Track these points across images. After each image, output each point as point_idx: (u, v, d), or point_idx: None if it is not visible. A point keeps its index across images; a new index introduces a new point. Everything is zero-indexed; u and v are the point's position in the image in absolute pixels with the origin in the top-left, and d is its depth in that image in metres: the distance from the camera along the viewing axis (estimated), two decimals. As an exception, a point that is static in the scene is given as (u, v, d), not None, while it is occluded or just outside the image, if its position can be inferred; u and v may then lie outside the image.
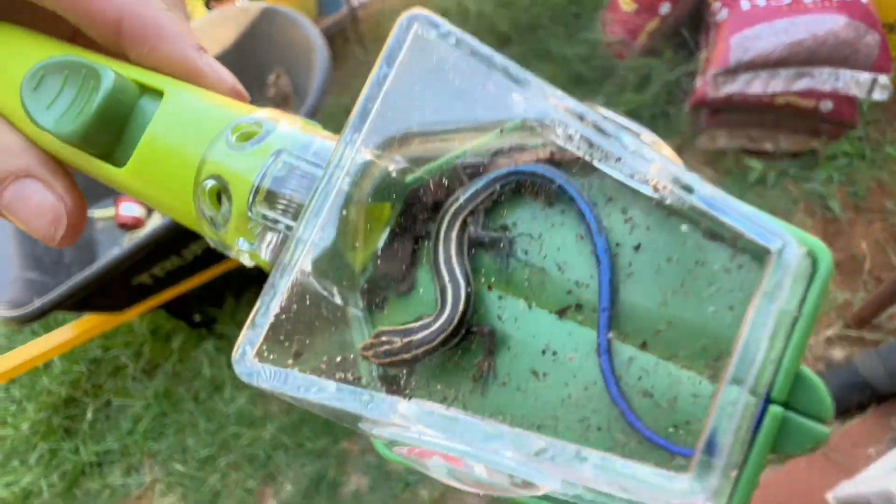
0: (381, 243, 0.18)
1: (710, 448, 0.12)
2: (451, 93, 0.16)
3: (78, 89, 0.16)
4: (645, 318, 0.16)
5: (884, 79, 1.23)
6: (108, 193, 1.28)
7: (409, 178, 0.18)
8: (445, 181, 0.18)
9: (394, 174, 0.17)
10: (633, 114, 1.56)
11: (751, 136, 1.44)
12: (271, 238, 0.17)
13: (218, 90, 0.18)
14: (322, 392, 0.15)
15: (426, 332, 0.17)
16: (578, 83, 1.69)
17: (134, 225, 1.25)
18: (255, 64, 1.27)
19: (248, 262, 0.18)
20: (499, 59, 0.15)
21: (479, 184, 0.18)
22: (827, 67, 1.25)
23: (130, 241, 1.13)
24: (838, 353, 1.13)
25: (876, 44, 1.22)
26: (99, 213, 1.28)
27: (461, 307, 0.17)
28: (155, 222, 1.21)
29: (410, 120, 0.16)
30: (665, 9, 1.53)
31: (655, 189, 0.15)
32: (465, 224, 0.18)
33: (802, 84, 1.27)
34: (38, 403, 1.31)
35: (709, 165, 1.47)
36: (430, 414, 0.14)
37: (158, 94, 0.17)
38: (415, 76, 0.15)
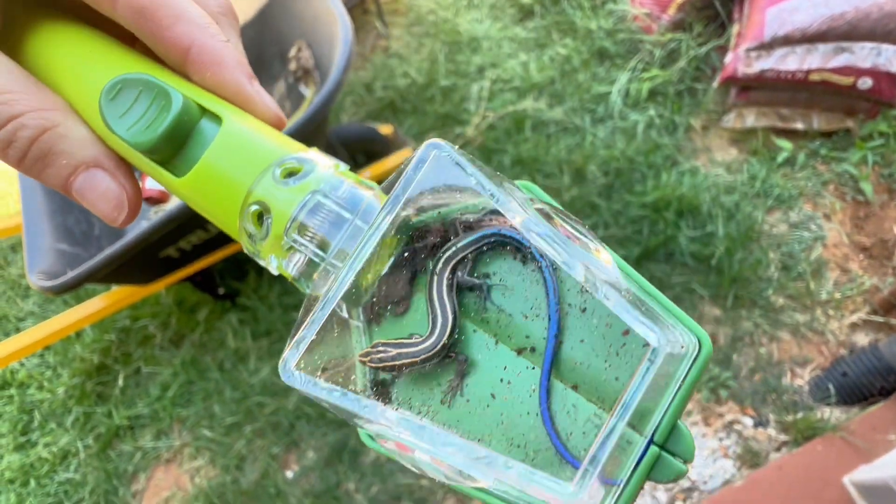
0: (385, 269, 0.21)
1: (593, 463, 0.17)
2: (458, 180, 0.20)
3: (149, 104, 0.19)
4: (577, 368, 0.21)
5: (929, 54, 1.17)
6: (134, 168, 1.30)
7: (415, 219, 0.22)
8: (443, 228, 0.23)
9: (404, 217, 0.21)
10: (657, 90, 1.52)
11: (781, 114, 1.39)
12: (298, 258, 0.20)
13: (263, 114, 0.21)
14: (337, 396, 0.20)
15: (415, 348, 0.22)
16: (602, 57, 1.64)
17: (160, 199, 1.27)
18: (276, 37, 1.26)
19: (274, 271, 0.21)
20: (484, 182, 0.20)
21: (470, 237, 0.22)
22: (868, 42, 1.19)
23: (156, 215, 1.15)
24: (863, 339, 1.11)
25: (923, 17, 1.15)
26: (125, 186, 1.30)
27: (447, 334, 0.22)
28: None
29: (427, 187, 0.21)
30: (697, -21, 1.46)
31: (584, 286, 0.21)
32: (455, 268, 0.22)
33: (841, 60, 1.22)
34: (71, 369, 1.37)
35: (734, 144, 1.43)
36: (407, 421, 0.20)
37: (217, 118, 0.20)
38: (435, 170, 0.20)
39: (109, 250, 0.93)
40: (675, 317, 0.20)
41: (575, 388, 0.21)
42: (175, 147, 0.20)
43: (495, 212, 0.22)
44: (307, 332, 0.20)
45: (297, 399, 1.20)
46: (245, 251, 0.21)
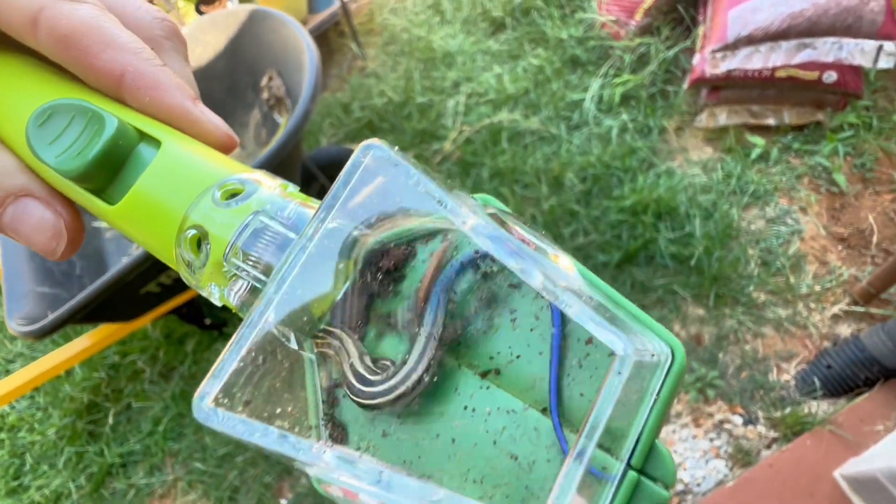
0: (339, 296, 0.19)
1: (560, 497, 0.15)
2: (411, 191, 0.19)
3: (82, 130, 0.18)
4: (537, 384, 0.19)
5: (890, 46, 1.19)
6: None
7: (371, 241, 0.20)
8: (403, 250, 0.21)
9: (358, 237, 0.19)
10: (630, 94, 1.54)
11: (753, 111, 1.41)
12: (241, 285, 0.18)
13: (210, 135, 0.20)
14: (263, 437, 0.17)
15: (388, 384, 0.20)
16: (574, 65, 1.66)
17: (140, 234, 1.28)
18: (247, 66, 1.27)
19: (217, 301, 0.19)
20: (429, 186, 0.18)
21: (453, 268, 0.20)
22: (829, 37, 1.21)
23: (137, 250, 1.16)
24: (845, 330, 1.12)
25: (881, 9, 1.18)
26: (106, 223, 1.31)
27: (423, 366, 0.19)
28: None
29: (375, 209, 0.19)
30: (660, -16, 1.49)
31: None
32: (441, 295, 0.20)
33: (804, 56, 1.24)
34: (62, 410, 1.37)
35: (709, 143, 1.44)
36: (348, 462, 0.18)
37: (156, 142, 0.19)
38: (379, 183, 0.18)
39: (88, 290, 0.93)
40: (644, 324, 0.18)
41: (533, 406, 0.19)
42: (109, 174, 0.18)
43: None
44: (227, 359, 0.17)
45: (287, 426, 1.20)
46: (184, 280, 0.20)
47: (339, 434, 0.20)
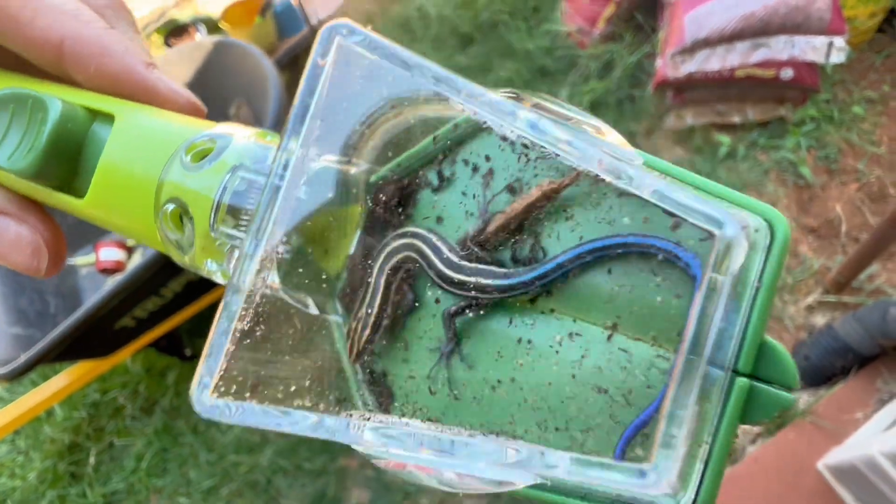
0: (352, 248, 0.17)
1: (671, 424, 0.12)
2: (389, 86, 0.15)
3: (27, 122, 0.16)
4: (615, 298, 0.15)
5: (839, 41, 1.23)
6: (88, 240, 1.30)
7: (373, 177, 0.17)
8: (406, 181, 0.18)
9: (356, 175, 0.16)
10: (598, 101, 1.56)
11: (718, 110, 1.44)
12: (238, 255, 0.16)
13: (174, 105, 0.18)
14: (294, 425, 0.15)
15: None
16: (543, 76, 1.69)
17: (115, 269, 1.27)
18: (216, 97, 1.28)
19: (220, 279, 0.17)
20: (417, 61, 0.15)
21: (566, 257, 0.16)
22: (782, 36, 1.25)
23: (109, 285, 1.15)
24: (820, 320, 1.13)
25: (827, 7, 1.22)
26: (80, 260, 1.30)
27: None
28: (135, 264, 1.23)
29: (354, 118, 0.16)
30: (619, -6, 1.53)
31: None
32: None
33: (759, 55, 1.27)
34: (42, 452, 1.34)
35: (679, 144, 1.47)
36: (393, 438, 0.14)
37: (110, 118, 0.17)
38: (351, 79, 0.15)
39: (58, 330, 0.92)
40: (730, 199, 0.15)
41: (614, 327, 0.15)
42: (67, 164, 0.16)
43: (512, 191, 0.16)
44: (218, 337, 0.14)
45: (271, 454, 1.18)
46: (182, 266, 0.18)
47: (383, 397, 0.18)
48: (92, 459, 1.29)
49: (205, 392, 0.15)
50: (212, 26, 1.89)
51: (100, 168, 0.16)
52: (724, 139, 1.41)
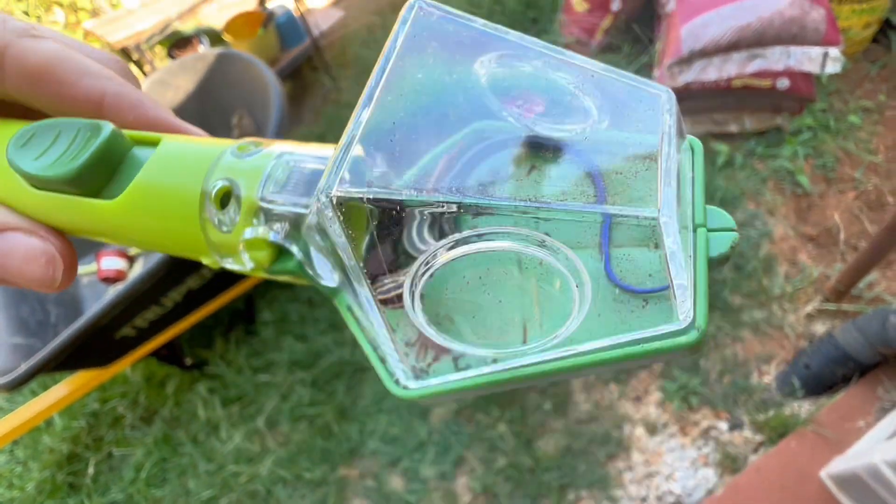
0: (363, 252, 0.16)
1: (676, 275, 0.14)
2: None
3: (72, 139, 0.17)
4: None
5: (834, 51, 1.24)
6: (89, 250, 1.31)
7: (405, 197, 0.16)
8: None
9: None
10: (597, 111, 1.58)
11: (715, 119, 1.45)
12: (280, 226, 0.17)
13: None
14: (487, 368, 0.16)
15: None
16: (542, 86, 1.71)
17: (116, 278, 1.27)
18: (218, 107, 1.30)
19: (248, 263, 0.17)
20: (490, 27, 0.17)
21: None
22: (778, 46, 1.26)
23: (110, 294, 1.15)
24: (820, 328, 1.13)
25: (822, 18, 1.23)
26: (81, 269, 1.31)
27: None
28: (136, 273, 1.24)
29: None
30: (616, 5, 1.55)
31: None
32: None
33: (756, 65, 1.29)
34: (41, 462, 1.33)
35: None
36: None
37: (152, 143, 0.18)
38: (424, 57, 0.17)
39: (59, 339, 0.93)
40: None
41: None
42: (104, 175, 0.17)
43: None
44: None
45: (271, 464, 1.17)
46: (207, 261, 0.18)
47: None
48: (91, 470, 1.29)
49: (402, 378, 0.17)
50: (214, 38, 1.91)
51: (141, 174, 0.17)
52: (722, 148, 1.42)
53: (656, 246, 0.15)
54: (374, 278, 0.16)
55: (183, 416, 1.31)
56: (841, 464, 0.91)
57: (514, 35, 0.18)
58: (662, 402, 1.11)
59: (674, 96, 0.17)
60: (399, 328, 0.17)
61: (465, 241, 0.15)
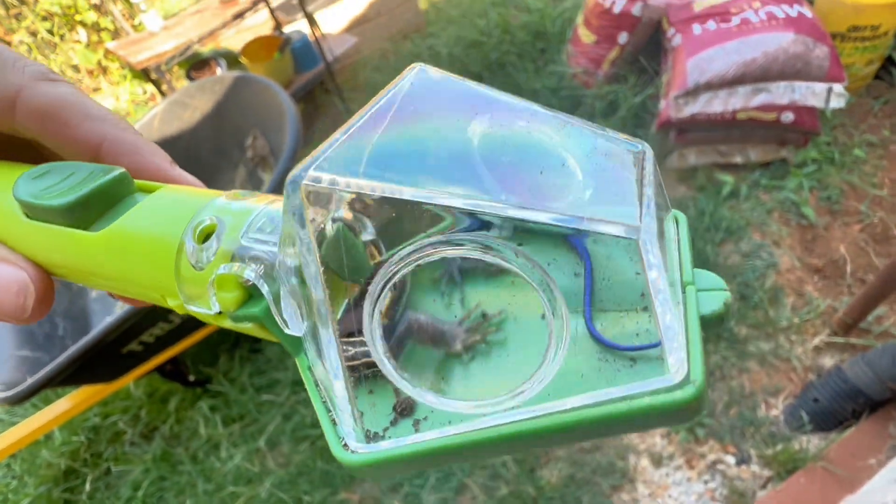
0: (339, 314, 0.16)
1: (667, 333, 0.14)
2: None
3: (80, 179, 0.18)
4: None
5: (838, 87, 1.27)
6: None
7: (382, 257, 0.15)
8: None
9: (360, 243, 0.15)
10: (604, 139, 1.60)
11: (720, 150, 1.47)
12: (255, 267, 0.16)
13: None
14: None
15: None
16: (550, 114, 1.74)
17: (125, 292, 1.28)
18: (233, 128, 1.33)
19: (214, 306, 0.17)
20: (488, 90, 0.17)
21: None
22: (782, 81, 1.29)
23: (121, 309, 1.16)
24: (829, 361, 1.12)
25: (826, 55, 1.26)
26: (91, 283, 1.32)
27: None
28: (144, 288, 1.25)
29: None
30: (623, 38, 1.59)
31: None
32: None
33: (760, 99, 1.31)
34: (38, 477, 1.32)
35: (682, 183, 1.49)
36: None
37: (150, 190, 0.19)
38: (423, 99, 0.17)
39: (66, 354, 0.93)
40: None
41: None
42: (101, 209, 0.18)
43: None
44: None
45: (270, 486, 1.16)
46: (173, 302, 0.18)
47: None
48: (87, 486, 1.27)
49: (354, 436, 0.15)
50: (231, 60, 1.97)
51: (130, 212, 0.18)
52: (727, 178, 1.43)
53: (645, 309, 0.14)
54: (343, 334, 0.15)
55: (183, 434, 1.30)
56: (853, 503, 0.89)
57: (506, 96, 0.18)
58: (668, 433, 1.10)
59: (651, 153, 0.17)
60: (360, 389, 0.16)
61: (429, 249, 0.14)
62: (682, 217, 0.19)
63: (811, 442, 1.03)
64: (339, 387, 0.15)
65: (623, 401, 0.13)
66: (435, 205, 0.14)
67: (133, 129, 0.20)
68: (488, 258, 0.14)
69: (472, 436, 0.14)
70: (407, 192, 0.14)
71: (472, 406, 0.15)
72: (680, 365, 0.13)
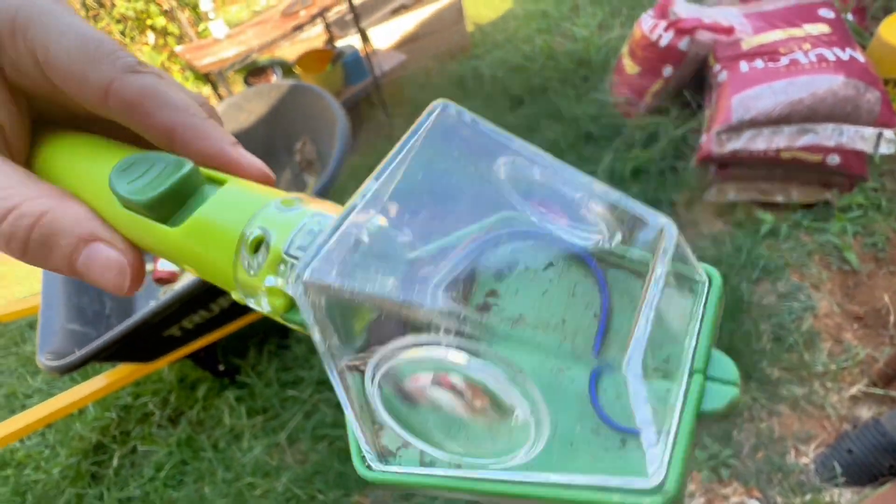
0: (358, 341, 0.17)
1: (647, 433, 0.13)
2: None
3: (159, 173, 0.21)
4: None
5: (889, 133, 1.24)
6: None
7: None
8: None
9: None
10: (641, 168, 1.61)
11: (761, 188, 1.46)
12: (297, 284, 0.18)
13: (250, 170, 0.23)
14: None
15: None
16: (588, 140, 1.76)
17: (169, 279, 1.35)
18: (284, 133, 1.40)
19: (265, 306, 0.19)
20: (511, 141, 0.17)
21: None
22: (830, 123, 1.28)
23: (164, 294, 1.22)
24: (866, 413, 1.08)
25: (877, 100, 1.25)
26: (139, 267, 1.39)
27: None
28: (187, 278, 1.31)
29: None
30: (668, 71, 1.61)
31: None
32: None
33: (806, 140, 1.30)
34: (69, 449, 1.38)
35: (719, 218, 1.48)
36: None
37: (220, 182, 0.22)
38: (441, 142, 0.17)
39: (114, 331, 0.99)
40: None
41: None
42: (176, 204, 0.21)
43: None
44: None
45: (287, 480, 1.18)
46: (235, 297, 0.20)
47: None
48: (115, 462, 1.32)
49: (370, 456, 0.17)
50: (286, 69, 2.07)
51: (199, 211, 0.20)
52: (767, 217, 1.41)
53: (664, 376, 0.14)
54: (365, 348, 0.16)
55: (208, 421, 1.34)
56: (885, 563, 0.85)
57: (531, 148, 0.18)
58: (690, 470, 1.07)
59: (675, 230, 0.16)
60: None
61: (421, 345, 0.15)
62: (716, 277, 0.17)
63: (843, 496, 0.99)
64: (351, 416, 0.17)
65: (594, 490, 0.14)
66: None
67: (202, 115, 0.23)
68: (471, 371, 0.14)
69: (455, 483, 0.16)
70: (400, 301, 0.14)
71: (460, 460, 0.16)
72: (657, 469, 0.13)
